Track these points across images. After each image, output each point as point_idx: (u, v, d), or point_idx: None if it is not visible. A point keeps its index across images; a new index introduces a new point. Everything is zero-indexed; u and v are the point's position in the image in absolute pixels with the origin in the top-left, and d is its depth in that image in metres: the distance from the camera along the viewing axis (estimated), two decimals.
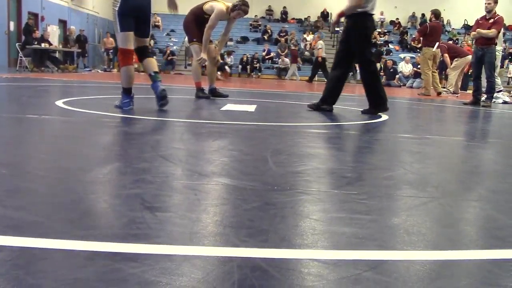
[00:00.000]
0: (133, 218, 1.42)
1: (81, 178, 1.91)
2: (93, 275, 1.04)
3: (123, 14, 4.47)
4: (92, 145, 2.80)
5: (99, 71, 18.10)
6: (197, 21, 6.64)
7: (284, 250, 1.25)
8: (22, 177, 1.92)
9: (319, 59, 17.83)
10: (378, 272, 1.13)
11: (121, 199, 1.62)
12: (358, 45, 5.41)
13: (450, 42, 18.57)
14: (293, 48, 21.09)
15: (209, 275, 1.07)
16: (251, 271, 1.09)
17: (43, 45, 14.64)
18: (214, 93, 6.90)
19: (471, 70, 10.84)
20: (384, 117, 5.14)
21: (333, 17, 5.56)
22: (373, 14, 5.53)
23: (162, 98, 4.61)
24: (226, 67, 17.88)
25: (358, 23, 5.38)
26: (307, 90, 12.07)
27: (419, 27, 19.24)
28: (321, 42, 18.44)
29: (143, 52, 4.73)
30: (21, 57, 14.34)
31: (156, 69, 4.73)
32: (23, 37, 15.19)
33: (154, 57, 20.40)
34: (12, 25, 16.52)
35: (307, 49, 22.29)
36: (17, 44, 15.04)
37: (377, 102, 5.46)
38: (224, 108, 5.37)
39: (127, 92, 4.55)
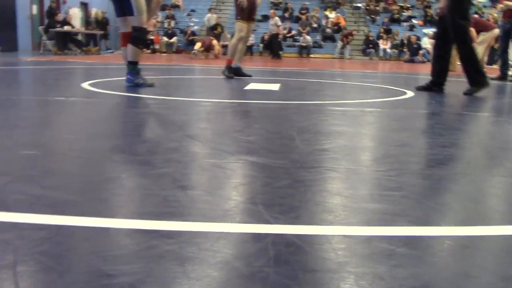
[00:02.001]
0: (166, 196, 1.44)
1: (112, 158, 1.95)
2: (131, 251, 1.07)
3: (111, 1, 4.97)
4: (120, 126, 2.83)
5: (121, 52, 18.16)
6: None
7: (316, 226, 1.27)
8: (55, 158, 1.96)
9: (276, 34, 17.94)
10: (411, 247, 1.14)
11: (153, 179, 1.65)
12: (450, 16, 5.17)
13: (476, 16, 18.13)
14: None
15: (245, 251, 1.09)
16: (285, 247, 1.11)
17: (65, 27, 14.75)
18: (238, 73, 6.90)
19: (497, 44, 10.60)
20: (409, 93, 5.08)
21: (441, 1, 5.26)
22: None
23: (130, 81, 5.01)
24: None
25: None
26: (328, 67, 11.97)
27: None
28: (277, 18, 18.22)
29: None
30: (44, 40, 14.48)
31: (131, 59, 4.98)
32: (45, 20, 15.31)
33: (175, 38, 20.31)
34: (34, 9, 16.66)
35: (329, 26, 22.05)
36: (40, 27, 15.17)
37: (476, 78, 5.24)
38: (248, 88, 5.37)
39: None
